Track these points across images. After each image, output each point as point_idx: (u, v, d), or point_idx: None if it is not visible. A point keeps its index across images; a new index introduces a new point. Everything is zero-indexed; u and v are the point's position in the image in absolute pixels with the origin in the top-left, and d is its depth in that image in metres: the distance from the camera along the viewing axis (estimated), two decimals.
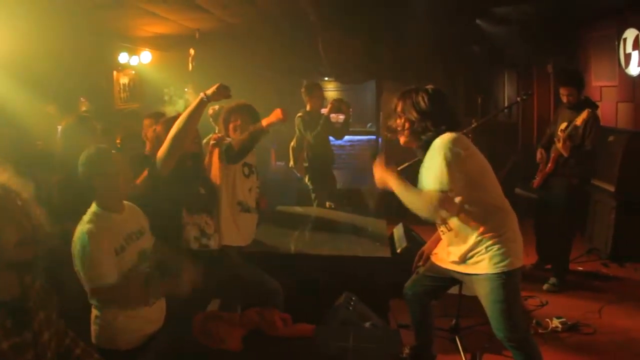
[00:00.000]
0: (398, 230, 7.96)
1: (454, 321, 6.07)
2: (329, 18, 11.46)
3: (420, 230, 8.39)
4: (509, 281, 4.48)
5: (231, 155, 5.61)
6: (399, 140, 4.82)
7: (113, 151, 4.29)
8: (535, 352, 4.73)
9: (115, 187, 4.13)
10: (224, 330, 4.46)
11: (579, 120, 7.28)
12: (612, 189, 8.59)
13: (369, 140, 18.15)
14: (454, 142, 4.37)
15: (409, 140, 4.74)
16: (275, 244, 6.88)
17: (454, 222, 4.62)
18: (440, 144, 4.38)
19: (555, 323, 6.56)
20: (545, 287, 7.68)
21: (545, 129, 8.32)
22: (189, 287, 4.52)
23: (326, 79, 19.10)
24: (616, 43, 9.68)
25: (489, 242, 4.49)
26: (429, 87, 4.67)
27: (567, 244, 7.86)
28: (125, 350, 4.09)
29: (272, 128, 5.60)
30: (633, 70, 9.31)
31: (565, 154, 7.45)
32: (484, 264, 4.52)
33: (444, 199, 4.33)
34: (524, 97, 8.11)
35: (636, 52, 9.13)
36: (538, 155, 8.05)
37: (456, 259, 4.72)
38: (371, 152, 16.47)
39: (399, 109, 4.72)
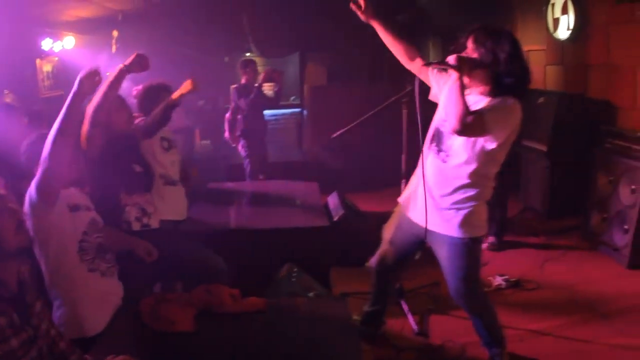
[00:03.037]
0: (333, 199, 7.97)
1: (398, 285, 6.08)
2: None
3: (354, 197, 8.43)
4: (473, 247, 4.53)
5: (145, 129, 5.60)
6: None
7: None
8: (492, 317, 4.85)
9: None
10: (174, 312, 4.38)
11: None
12: (544, 149, 8.66)
13: (292, 114, 18.09)
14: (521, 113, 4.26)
15: (478, 79, 4.31)
16: (212, 221, 6.82)
17: (457, 159, 4.41)
18: (515, 106, 4.22)
19: (499, 281, 6.63)
20: (484, 246, 7.54)
21: None
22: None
23: (248, 54, 19.02)
24: (544, 8, 9.85)
25: (467, 205, 4.45)
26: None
27: (505, 201, 7.94)
28: (90, 337, 3.97)
29: (184, 98, 5.57)
30: (562, 34, 9.50)
31: None
32: (453, 226, 4.48)
33: (476, 124, 4.06)
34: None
35: (565, 16, 9.33)
36: None
37: (431, 202, 4.55)
38: (296, 124, 16.50)
39: (479, 41, 4.25)
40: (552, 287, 6.61)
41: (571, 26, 9.20)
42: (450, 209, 4.48)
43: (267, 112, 10.92)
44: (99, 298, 4.05)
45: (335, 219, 7.37)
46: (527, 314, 6.00)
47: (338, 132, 6.79)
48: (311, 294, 5.51)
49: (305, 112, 15.16)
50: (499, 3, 11.61)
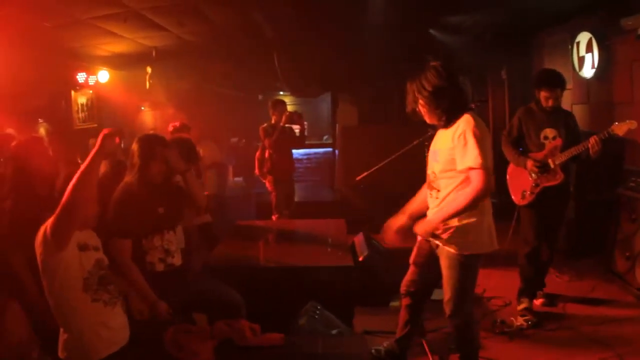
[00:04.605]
0: (359, 239, 8.03)
1: (420, 324, 6.11)
2: (285, 33, 11.55)
3: (381, 238, 8.47)
4: (470, 264, 4.85)
5: None
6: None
7: None
8: (473, 339, 5.17)
9: None
10: (195, 343, 4.52)
11: (621, 132, 6.53)
12: (570, 189, 8.65)
13: (325, 153, 18.15)
14: (479, 122, 4.71)
15: (430, 117, 4.99)
16: (238, 257, 6.95)
17: (451, 192, 4.85)
18: (468, 120, 4.68)
19: (520, 321, 6.59)
20: (539, 302, 7.33)
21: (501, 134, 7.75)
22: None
23: (281, 93, 19.15)
24: (569, 47, 9.94)
25: (469, 221, 4.75)
26: (436, 63, 4.90)
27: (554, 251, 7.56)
28: None
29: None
30: (587, 72, 9.58)
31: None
32: (454, 242, 4.79)
33: (488, 172, 4.59)
34: (478, 103, 7.92)
35: (589, 54, 9.40)
36: (530, 165, 7.00)
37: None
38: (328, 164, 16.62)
39: (411, 92, 4.98)
40: (574, 328, 6.56)
41: (596, 64, 9.26)
42: (457, 226, 4.81)
43: (300, 151, 11.29)
44: (101, 326, 4.18)
45: (361, 258, 7.42)
46: (548, 354, 5.98)
47: (362, 175, 6.87)
48: (334, 332, 5.58)
49: (336, 151, 15.26)
50: (525, 43, 11.68)
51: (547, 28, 11.00)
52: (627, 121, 6.50)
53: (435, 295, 5.67)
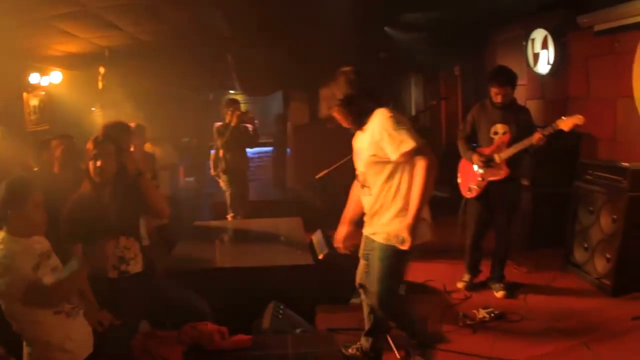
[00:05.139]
0: (317, 237, 7.97)
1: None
2: (239, 31, 11.48)
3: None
4: (400, 255, 4.88)
5: None
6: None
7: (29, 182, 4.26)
8: (412, 321, 5.36)
9: (27, 219, 4.08)
10: (164, 348, 4.46)
11: (566, 127, 6.63)
12: (526, 182, 8.70)
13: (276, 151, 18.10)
14: (392, 110, 4.87)
15: (345, 122, 5.11)
16: (197, 260, 6.88)
17: (381, 186, 4.97)
18: (381, 113, 4.82)
19: (483, 313, 6.59)
20: (500, 294, 7.38)
21: (454, 130, 7.83)
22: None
23: (232, 92, 19.04)
24: (524, 43, 10.07)
25: (397, 214, 4.86)
26: (347, 69, 5.06)
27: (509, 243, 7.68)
28: None
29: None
30: (542, 68, 9.74)
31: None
32: (382, 235, 4.92)
33: (423, 148, 4.65)
34: (438, 101, 7.91)
35: (545, 51, 9.56)
36: (475, 158, 7.22)
37: (373, 224, 5.10)
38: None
39: (325, 99, 5.15)
40: (536, 318, 6.59)
41: (551, 61, 9.41)
42: (388, 221, 4.98)
43: (250, 149, 11.23)
44: (66, 339, 4.11)
45: (321, 256, 7.37)
46: (512, 345, 6.00)
47: (322, 173, 6.85)
48: (297, 331, 5.56)
49: (288, 150, 15.20)
50: (479, 40, 11.73)
51: (501, 25, 11.10)
52: (574, 116, 6.61)
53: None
